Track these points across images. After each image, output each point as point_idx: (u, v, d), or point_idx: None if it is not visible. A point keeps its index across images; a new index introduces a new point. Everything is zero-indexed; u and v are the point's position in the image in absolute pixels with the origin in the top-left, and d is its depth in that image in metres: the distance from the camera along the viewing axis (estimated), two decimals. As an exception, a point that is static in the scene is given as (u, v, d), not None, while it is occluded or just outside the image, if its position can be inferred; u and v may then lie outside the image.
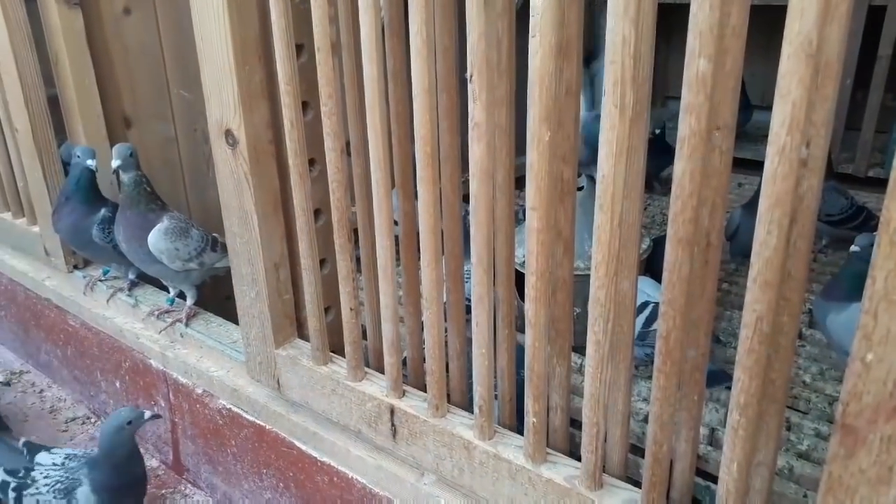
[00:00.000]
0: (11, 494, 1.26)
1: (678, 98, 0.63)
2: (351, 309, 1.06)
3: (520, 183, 0.79)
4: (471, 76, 0.77)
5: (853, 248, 1.19)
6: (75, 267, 1.73)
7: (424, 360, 1.00)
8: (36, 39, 1.53)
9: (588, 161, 1.17)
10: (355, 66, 0.95)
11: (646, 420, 1.11)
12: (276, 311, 1.17)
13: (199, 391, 1.40)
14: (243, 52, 1.00)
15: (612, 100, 0.67)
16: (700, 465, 1.06)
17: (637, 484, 0.86)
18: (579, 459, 0.87)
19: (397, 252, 1.01)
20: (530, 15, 0.70)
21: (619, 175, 0.70)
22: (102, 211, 1.48)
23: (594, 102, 1.34)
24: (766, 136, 0.59)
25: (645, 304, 1.26)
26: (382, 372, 1.08)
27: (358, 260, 1.06)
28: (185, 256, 1.39)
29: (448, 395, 1.03)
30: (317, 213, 1.09)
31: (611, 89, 0.67)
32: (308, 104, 1.03)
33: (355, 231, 1.06)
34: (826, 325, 1.21)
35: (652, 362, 0.78)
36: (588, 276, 0.77)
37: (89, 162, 1.43)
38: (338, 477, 1.18)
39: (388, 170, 0.93)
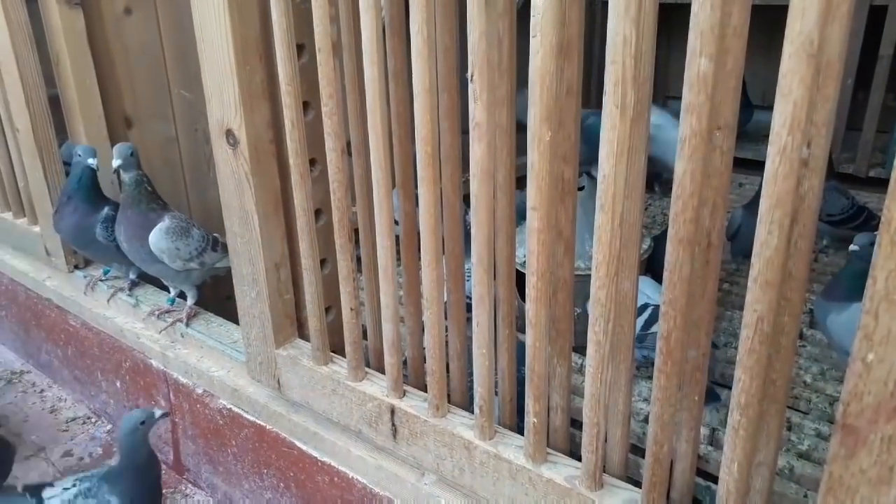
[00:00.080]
0: None
1: (679, 98, 0.63)
2: (351, 309, 1.06)
3: (521, 183, 0.79)
4: (472, 76, 0.77)
5: (852, 246, 1.19)
6: (76, 267, 1.73)
7: (425, 360, 1.00)
8: (37, 39, 1.54)
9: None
10: (356, 66, 0.96)
11: (646, 420, 1.11)
12: (276, 311, 1.17)
13: (200, 391, 1.40)
14: (244, 52, 1.00)
15: (613, 100, 0.67)
16: (701, 465, 1.06)
17: (637, 484, 0.86)
18: (580, 459, 0.87)
19: (398, 252, 1.01)
20: (531, 15, 0.70)
21: (620, 175, 0.70)
22: (105, 209, 1.48)
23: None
24: (767, 135, 0.59)
25: (645, 307, 1.25)
26: (383, 372, 1.08)
27: (358, 260, 1.06)
28: (186, 256, 1.39)
29: (448, 395, 1.03)
30: (317, 213, 1.09)
31: (612, 89, 0.67)
32: (309, 104, 1.03)
33: (356, 231, 1.06)
34: (827, 325, 1.21)
35: (650, 364, 0.78)
36: (589, 276, 0.77)
37: (90, 161, 1.43)
38: (338, 477, 1.18)
39: (389, 170, 0.93)
